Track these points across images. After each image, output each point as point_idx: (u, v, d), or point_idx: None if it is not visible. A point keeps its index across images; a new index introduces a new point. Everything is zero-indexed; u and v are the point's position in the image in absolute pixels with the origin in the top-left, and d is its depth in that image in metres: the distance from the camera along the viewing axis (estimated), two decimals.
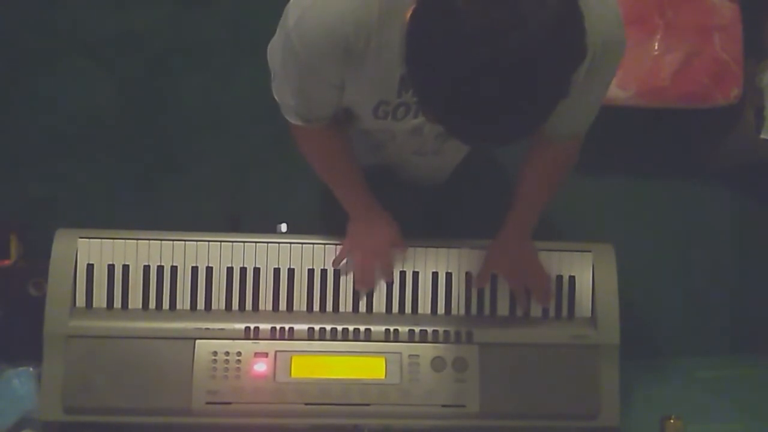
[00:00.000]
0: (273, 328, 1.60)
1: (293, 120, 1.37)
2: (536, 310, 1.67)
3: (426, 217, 1.96)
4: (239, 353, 1.58)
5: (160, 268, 1.62)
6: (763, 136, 2.03)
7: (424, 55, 0.98)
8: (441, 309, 1.65)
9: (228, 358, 1.58)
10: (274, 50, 1.33)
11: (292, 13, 1.20)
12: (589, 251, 1.68)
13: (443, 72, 0.95)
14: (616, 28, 1.22)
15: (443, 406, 1.60)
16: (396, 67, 1.20)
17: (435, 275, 1.66)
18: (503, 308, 1.67)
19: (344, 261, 1.64)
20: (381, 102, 1.31)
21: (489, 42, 0.91)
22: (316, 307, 1.64)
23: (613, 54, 1.24)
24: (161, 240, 1.62)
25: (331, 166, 1.51)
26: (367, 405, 1.59)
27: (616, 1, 1.22)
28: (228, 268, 1.63)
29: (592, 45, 1.11)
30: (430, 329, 1.62)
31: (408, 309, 1.65)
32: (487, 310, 1.66)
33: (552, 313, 1.67)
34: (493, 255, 1.65)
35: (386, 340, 1.61)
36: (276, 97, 1.37)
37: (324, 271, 1.65)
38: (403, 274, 1.66)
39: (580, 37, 0.97)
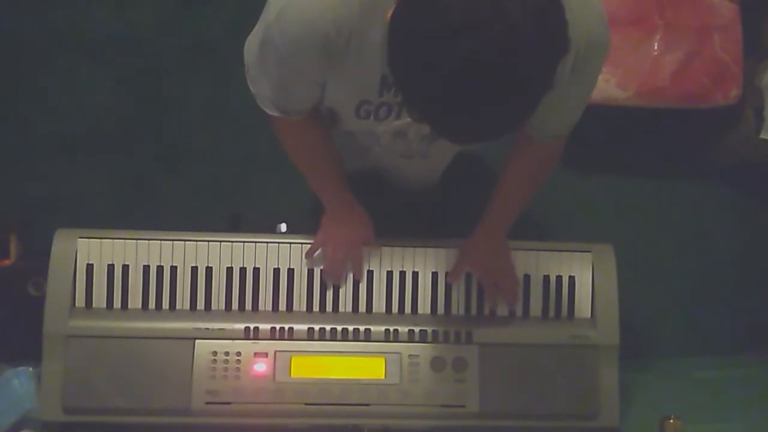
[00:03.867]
0: (273, 328, 1.60)
1: (270, 111, 1.36)
2: (535, 310, 1.67)
3: (419, 220, 1.96)
4: (239, 353, 1.58)
5: (160, 268, 1.62)
6: (762, 136, 2.03)
7: (407, 52, 0.98)
8: (440, 309, 1.66)
9: (228, 358, 1.58)
10: (252, 43, 1.33)
11: (273, 8, 1.20)
12: (589, 251, 1.69)
13: (426, 67, 0.96)
14: (599, 27, 1.22)
15: (443, 406, 1.60)
16: (377, 67, 1.21)
17: (435, 275, 1.66)
18: (503, 308, 1.67)
19: (317, 253, 1.64)
20: (363, 102, 1.31)
21: (471, 35, 0.92)
22: (316, 307, 1.64)
23: (596, 53, 1.24)
24: (161, 240, 1.62)
25: (308, 157, 1.50)
26: (367, 405, 1.59)
27: (601, 1, 1.23)
28: (228, 268, 1.63)
29: (576, 45, 1.11)
30: (429, 329, 1.62)
31: (408, 309, 1.65)
32: (486, 310, 1.67)
33: (552, 313, 1.67)
34: (467, 252, 1.65)
35: (386, 340, 1.61)
36: (251, 89, 1.37)
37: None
38: (402, 274, 1.66)
39: (561, 28, 0.98)
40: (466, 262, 1.65)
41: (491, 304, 1.66)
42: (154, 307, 1.61)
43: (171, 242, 1.62)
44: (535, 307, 1.67)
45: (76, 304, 1.60)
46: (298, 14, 1.17)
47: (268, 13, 1.22)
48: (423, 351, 1.61)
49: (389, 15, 1.01)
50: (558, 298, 1.67)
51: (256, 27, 1.31)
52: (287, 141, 1.46)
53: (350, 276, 1.65)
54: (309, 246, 1.64)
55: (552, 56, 0.98)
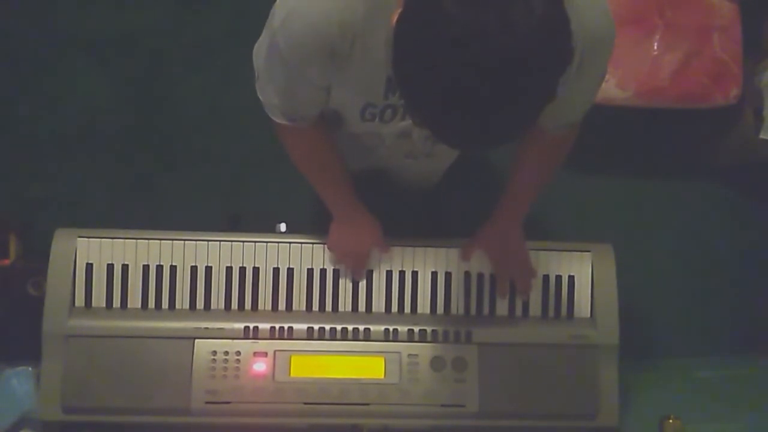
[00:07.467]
0: (272, 328, 1.60)
1: (278, 119, 1.37)
2: (535, 310, 1.67)
3: (421, 219, 1.96)
4: (238, 353, 1.58)
5: (159, 268, 1.62)
6: (762, 136, 2.03)
7: (411, 57, 0.98)
8: (440, 309, 1.65)
9: (227, 357, 1.58)
10: (260, 50, 1.33)
11: (278, 14, 1.20)
12: (589, 251, 1.69)
13: (429, 74, 0.96)
14: (603, 21, 1.23)
15: (442, 405, 1.60)
16: (382, 70, 1.21)
17: (434, 275, 1.66)
18: (502, 308, 1.67)
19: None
20: (368, 104, 1.31)
21: (476, 45, 0.92)
22: (315, 306, 1.64)
23: (602, 48, 1.25)
24: (160, 239, 1.62)
25: (316, 165, 1.50)
26: (367, 405, 1.59)
27: None
28: (227, 267, 1.63)
29: (581, 41, 1.11)
30: (429, 329, 1.62)
31: (407, 309, 1.65)
32: (486, 310, 1.66)
33: (551, 313, 1.67)
34: (482, 233, 1.65)
35: (385, 340, 1.61)
36: (260, 97, 1.38)
37: (323, 271, 1.65)
38: (402, 274, 1.66)
39: (566, 40, 0.98)
40: (482, 243, 1.65)
41: (502, 289, 1.66)
42: (153, 306, 1.61)
43: (170, 242, 1.62)
44: (535, 306, 1.67)
45: (76, 304, 1.60)
46: (302, 19, 1.17)
47: (273, 20, 1.22)
48: (422, 350, 1.61)
49: (394, 18, 1.01)
50: (557, 297, 1.67)
51: (263, 34, 1.31)
52: (294, 150, 1.46)
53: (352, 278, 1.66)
54: (309, 246, 1.64)
55: (556, 69, 0.98)
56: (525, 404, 1.61)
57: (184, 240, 1.63)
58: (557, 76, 0.99)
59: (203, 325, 1.59)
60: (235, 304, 1.63)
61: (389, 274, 1.66)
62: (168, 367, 1.57)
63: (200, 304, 1.62)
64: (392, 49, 1.01)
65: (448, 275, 1.66)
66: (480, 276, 1.67)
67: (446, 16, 0.93)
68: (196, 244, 1.63)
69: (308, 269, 1.64)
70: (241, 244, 1.64)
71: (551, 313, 1.67)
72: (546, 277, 1.68)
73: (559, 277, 1.68)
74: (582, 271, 1.68)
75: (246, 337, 1.59)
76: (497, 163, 2.04)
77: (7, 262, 1.88)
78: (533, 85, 0.96)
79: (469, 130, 1.00)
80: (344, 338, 1.61)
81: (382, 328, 1.62)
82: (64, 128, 2.09)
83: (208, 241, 1.63)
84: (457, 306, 1.66)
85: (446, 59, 0.94)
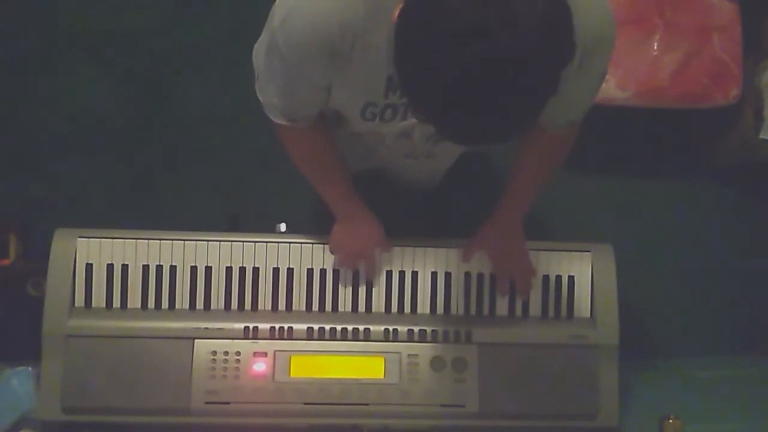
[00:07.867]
0: (272, 328, 1.60)
1: (278, 119, 1.37)
2: (535, 310, 1.67)
3: (421, 219, 1.96)
4: (238, 353, 1.58)
5: (159, 268, 1.62)
6: (762, 136, 2.03)
7: (413, 53, 0.98)
8: (440, 309, 1.65)
9: (227, 357, 1.58)
10: (259, 50, 1.33)
11: (278, 14, 1.20)
12: (588, 251, 1.68)
13: (431, 71, 0.96)
14: (605, 21, 1.23)
15: (442, 405, 1.60)
16: (382, 69, 1.21)
17: (434, 275, 1.66)
18: (502, 308, 1.67)
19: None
20: (368, 104, 1.31)
21: (478, 42, 0.92)
22: (315, 306, 1.64)
23: (603, 47, 1.25)
24: (160, 240, 1.62)
25: (316, 165, 1.51)
26: (366, 405, 1.59)
27: None
28: (227, 267, 1.63)
29: (582, 40, 1.12)
30: (429, 329, 1.62)
31: (407, 309, 1.65)
32: (486, 310, 1.66)
33: (551, 313, 1.67)
34: (482, 233, 1.65)
35: (385, 340, 1.61)
36: (259, 97, 1.38)
37: (323, 271, 1.65)
38: (402, 274, 1.66)
39: (568, 35, 0.98)
40: (482, 243, 1.65)
41: (502, 288, 1.65)
42: (153, 306, 1.61)
43: (170, 242, 1.62)
44: (535, 306, 1.67)
45: (76, 304, 1.60)
46: (302, 19, 1.17)
47: (273, 20, 1.22)
48: (422, 351, 1.61)
49: (395, 15, 1.01)
50: (557, 297, 1.67)
51: (263, 34, 1.31)
52: (294, 150, 1.46)
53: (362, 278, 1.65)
54: (309, 246, 1.64)
55: (557, 63, 0.99)
56: (525, 404, 1.61)
57: (184, 240, 1.63)
58: (559, 71, 0.99)
59: (203, 325, 1.59)
60: (234, 304, 1.63)
61: (389, 274, 1.66)
62: (168, 367, 1.57)
63: (200, 304, 1.62)
64: (393, 46, 1.01)
65: (448, 275, 1.66)
66: (480, 276, 1.67)
67: (448, 12, 0.93)
68: (196, 244, 1.63)
69: (308, 269, 1.64)
70: (241, 244, 1.64)
71: (551, 313, 1.67)
72: (546, 277, 1.68)
73: (559, 277, 1.68)
74: (582, 271, 1.68)
75: (246, 337, 1.59)
76: (498, 163, 2.05)
77: (7, 262, 1.88)
78: (535, 82, 0.97)
79: (471, 127, 1.00)
80: (344, 338, 1.61)
81: (382, 328, 1.62)
82: (64, 128, 2.09)
83: (208, 241, 1.63)
84: (457, 306, 1.66)
85: (448, 56, 0.94)
